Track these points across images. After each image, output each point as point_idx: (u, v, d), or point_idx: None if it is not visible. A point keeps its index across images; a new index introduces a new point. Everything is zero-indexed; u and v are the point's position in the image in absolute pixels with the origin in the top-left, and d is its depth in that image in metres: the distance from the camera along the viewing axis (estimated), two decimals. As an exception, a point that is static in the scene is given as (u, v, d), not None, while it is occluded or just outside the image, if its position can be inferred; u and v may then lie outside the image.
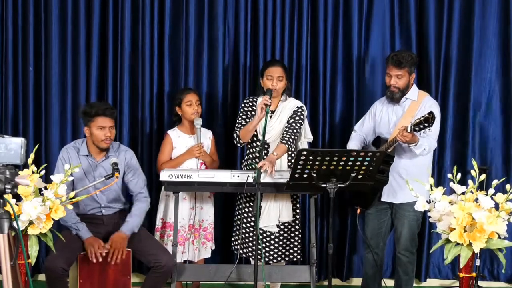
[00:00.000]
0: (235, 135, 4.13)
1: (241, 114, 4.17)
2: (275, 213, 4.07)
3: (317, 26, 4.62)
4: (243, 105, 4.19)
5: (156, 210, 4.34)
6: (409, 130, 3.61)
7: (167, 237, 4.18)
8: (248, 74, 4.63)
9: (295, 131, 4.03)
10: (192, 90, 4.29)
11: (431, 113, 3.57)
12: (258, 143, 4.04)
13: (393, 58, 3.89)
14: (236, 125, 4.16)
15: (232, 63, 4.68)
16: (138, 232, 3.87)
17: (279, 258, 4.12)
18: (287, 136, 3.99)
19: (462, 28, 4.61)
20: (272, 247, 4.10)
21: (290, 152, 4.13)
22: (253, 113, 4.13)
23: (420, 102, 3.95)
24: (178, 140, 4.24)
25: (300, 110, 4.09)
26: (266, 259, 4.09)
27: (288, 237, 4.15)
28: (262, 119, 3.86)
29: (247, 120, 4.13)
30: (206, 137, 4.30)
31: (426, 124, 3.56)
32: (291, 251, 4.16)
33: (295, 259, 4.19)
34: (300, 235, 4.18)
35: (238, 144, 4.17)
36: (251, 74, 4.64)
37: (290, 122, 4.06)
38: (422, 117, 3.58)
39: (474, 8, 4.57)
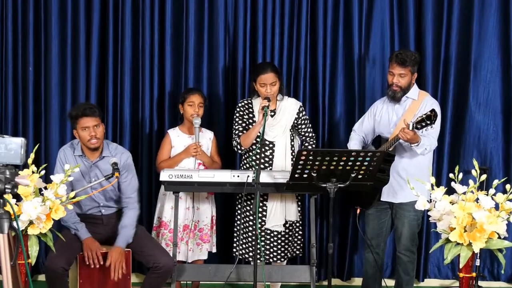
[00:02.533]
0: (234, 142, 4.15)
1: (237, 120, 4.18)
2: (281, 212, 4.09)
3: (316, 26, 4.61)
4: (238, 109, 4.19)
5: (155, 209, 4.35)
6: (410, 128, 3.60)
7: (161, 236, 4.19)
8: (248, 74, 4.63)
9: (311, 135, 4.21)
10: (197, 92, 4.29)
11: (433, 110, 3.56)
12: (258, 144, 4.04)
13: (397, 56, 3.88)
14: (234, 131, 4.17)
15: (232, 64, 4.67)
16: (137, 233, 3.87)
17: (284, 256, 4.14)
18: (310, 145, 4.18)
19: (462, 28, 4.61)
20: (278, 246, 4.12)
21: (292, 152, 4.15)
22: (250, 115, 4.14)
23: (421, 102, 3.95)
24: (177, 139, 4.25)
25: (302, 112, 4.16)
26: (271, 259, 4.10)
27: (291, 234, 4.17)
28: (262, 123, 3.87)
29: (244, 125, 4.15)
30: (206, 138, 4.30)
31: (428, 122, 3.55)
32: (292, 247, 4.18)
33: (294, 255, 4.22)
34: (301, 232, 4.21)
35: (240, 151, 4.19)
36: (251, 73, 4.64)
37: (302, 128, 4.17)
38: (424, 115, 3.57)
39: (474, 8, 4.57)
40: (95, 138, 3.78)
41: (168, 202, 4.16)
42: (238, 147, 4.15)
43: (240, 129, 4.16)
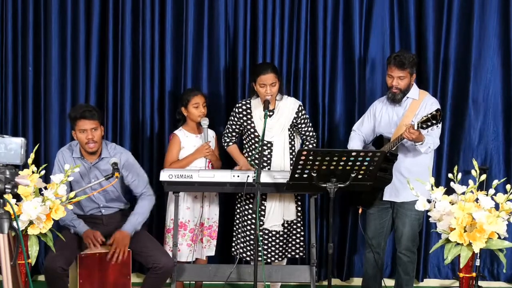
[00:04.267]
0: (223, 141, 4.27)
1: (232, 118, 4.21)
2: (280, 212, 4.10)
3: (316, 26, 4.61)
4: (235, 109, 4.21)
5: (157, 210, 4.35)
6: (416, 128, 3.60)
7: (181, 237, 4.17)
8: (248, 74, 4.63)
9: (311, 134, 4.21)
10: (199, 92, 4.30)
11: (438, 110, 3.56)
12: (257, 144, 4.05)
13: (395, 59, 3.86)
14: (226, 130, 4.26)
15: (232, 64, 4.67)
16: (137, 233, 3.87)
17: (283, 256, 4.16)
18: (311, 145, 4.18)
19: (462, 28, 4.61)
20: (277, 246, 4.13)
21: (291, 151, 4.15)
22: (249, 116, 4.16)
23: (421, 101, 3.95)
24: (186, 140, 4.24)
25: (302, 111, 4.16)
26: (270, 258, 4.11)
27: (291, 234, 4.18)
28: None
29: (237, 125, 4.19)
30: (210, 136, 4.31)
31: (434, 122, 3.55)
32: (294, 248, 4.19)
33: (297, 256, 4.23)
34: (302, 232, 4.22)
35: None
36: (251, 73, 4.64)
37: (302, 128, 4.18)
38: (430, 114, 3.57)
39: (474, 8, 4.57)
40: (92, 142, 3.77)
41: (183, 203, 4.16)
42: (225, 145, 4.27)
43: (230, 130, 4.24)
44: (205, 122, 4.15)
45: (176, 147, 4.23)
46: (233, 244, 4.23)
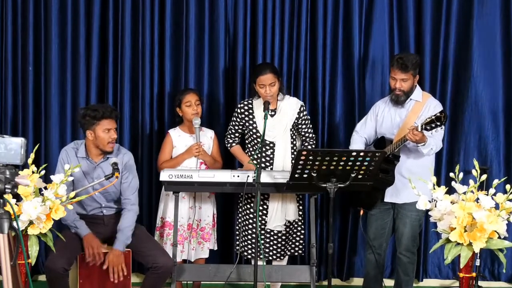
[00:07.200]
0: (226, 142, 4.28)
1: (233, 119, 4.22)
2: (282, 213, 4.11)
3: (316, 27, 4.61)
4: (237, 109, 4.21)
5: (157, 210, 4.35)
6: (419, 129, 3.59)
7: (166, 236, 4.19)
8: (248, 74, 4.63)
9: (311, 136, 4.21)
10: (191, 90, 4.29)
11: (442, 112, 3.55)
12: (259, 144, 4.05)
13: (398, 62, 3.83)
14: (228, 131, 4.26)
15: (232, 64, 4.67)
16: (137, 233, 3.86)
17: (284, 254, 4.17)
18: (309, 146, 4.18)
19: (461, 28, 4.61)
20: (279, 244, 4.14)
21: (293, 150, 4.15)
22: (250, 116, 4.16)
23: (425, 103, 3.94)
24: (178, 139, 4.25)
25: (303, 111, 4.16)
26: (272, 256, 4.13)
27: (292, 233, 4.19)
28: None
29: (239, 126, 4.19)
30: (207, 137, 4.30)
31: (438, 123, 3.53)
32: (293, 246, 4.21)
33: (296, 254, 4.25)
34: (303, 231, 4.23)
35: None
36: (250, 74, 4.64)
37: (302, 128, 4.17)
38: (434, 116, 3.55)
39: (473, 8, 4.57)
40: (113, 141, 3.81)
41: (172, 202, 4.15)
42: (228, 146, 4.25)
43: (233, 131, 4.23)
44: (196, 121, 4.13)
45: (168, 146, 4.24)
46: (237, 242, 4.24)
